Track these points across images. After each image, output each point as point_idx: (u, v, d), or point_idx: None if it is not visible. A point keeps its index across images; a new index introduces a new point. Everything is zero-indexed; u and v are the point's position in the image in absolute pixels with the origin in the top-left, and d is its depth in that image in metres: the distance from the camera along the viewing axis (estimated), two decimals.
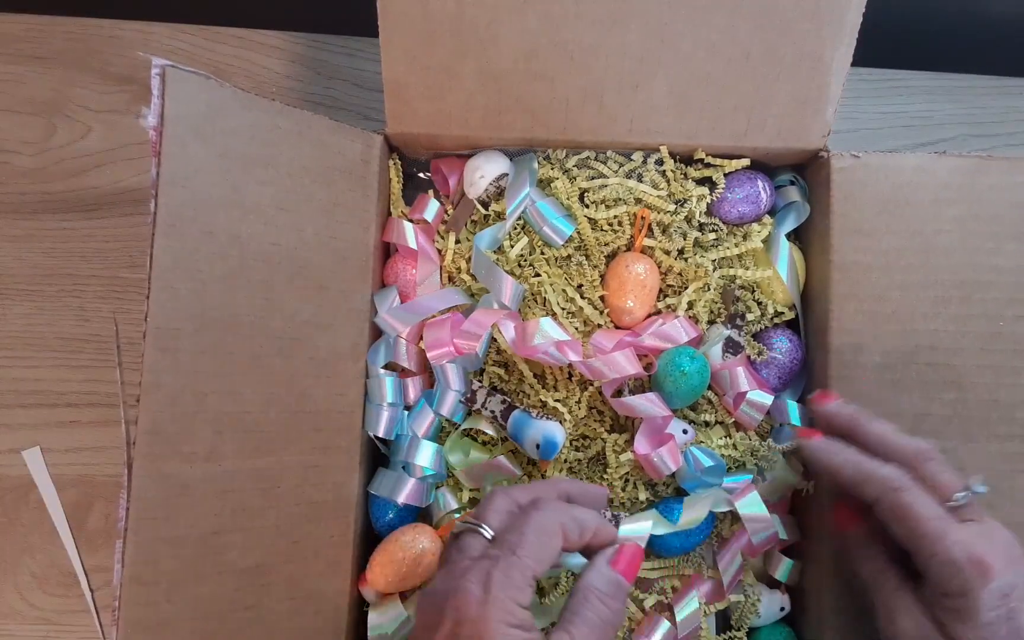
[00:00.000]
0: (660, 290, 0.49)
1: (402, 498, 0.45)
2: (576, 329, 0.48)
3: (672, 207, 0.48)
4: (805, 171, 0.49)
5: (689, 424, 0.47)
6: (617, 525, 0.46)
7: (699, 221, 0.48)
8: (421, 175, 0.51)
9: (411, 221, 0.49)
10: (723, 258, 0.48)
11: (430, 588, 0.33)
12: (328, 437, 0.43)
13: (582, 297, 0.48)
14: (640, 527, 0.45)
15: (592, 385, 0.47)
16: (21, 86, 0.55)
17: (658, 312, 0.49)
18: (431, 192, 0.51)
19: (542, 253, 0.49)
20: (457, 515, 0.47)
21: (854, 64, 0.43)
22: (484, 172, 0.48)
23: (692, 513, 0.45)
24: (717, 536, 0.48)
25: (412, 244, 0.48)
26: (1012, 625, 0.32)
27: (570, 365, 0.46)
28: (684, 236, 0.48)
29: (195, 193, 0.38)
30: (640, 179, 0.49)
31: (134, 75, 0.56)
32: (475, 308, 0.47)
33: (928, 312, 0.44)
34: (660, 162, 0.48)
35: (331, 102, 0.56)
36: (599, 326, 0.48)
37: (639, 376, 0.46)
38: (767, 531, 0.45)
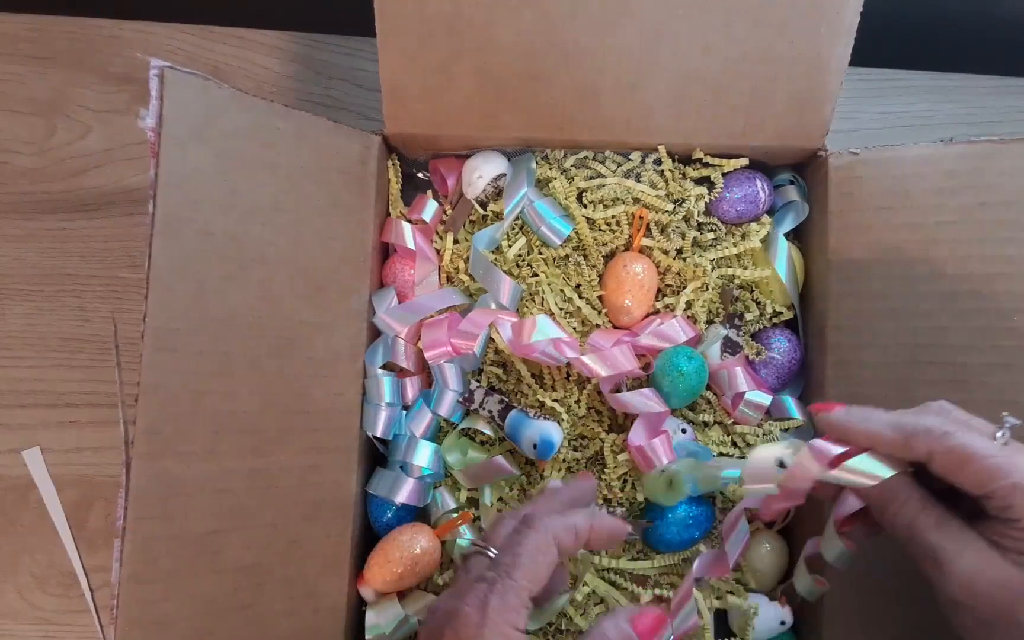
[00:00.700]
0: (658, 290, 0.49)
1: (400, 498, 0.46)
2: (574, 329, 0.48)
3: (670, 207, 0.48)
4: (804, 170, 0.49)
5: (688, 424, 0.47)
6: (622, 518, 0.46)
7: (697, 221, 0.48)
8: (420, 175, 0.51)
9: (409, 221, 0.49)
10: (721, 258, 0.48)
11: (435, 605, 0.34)
12: (326, 437, 0.43)
13: (580, 297, 0.48)
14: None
15: (590, 384, 0.47)
16: (21, 86, 0.55)
17: (656, 312, 0.49)
18: (429, 192, 0.51)
19: (540, 253, 0.49)
20: (455, 515, 0.47)
21: (854, 64, 0.43)
22: (482, 172, 0.48)
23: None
24: (716, 534, 0.48)
25: (410, 244, 0.48)
26: None
27: (568, 365, 0.46)
28: (682, 236, 0.48)
29: (193, 194, 0.38)
30: (638, 179, 0.49)
31: (134, 75, 0.56)
32: (473, 308, 0.47)
33: (932, 308, 0.43)
34: (658, 162, 0.48)
35: (331, 102, 0.56)
36: (597, 326, 0.48)
37: (637, 375, 0.46)
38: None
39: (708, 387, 0.47)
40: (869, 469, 0.34)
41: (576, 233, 0.48)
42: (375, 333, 0.47)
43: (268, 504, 0.41)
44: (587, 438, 0.48)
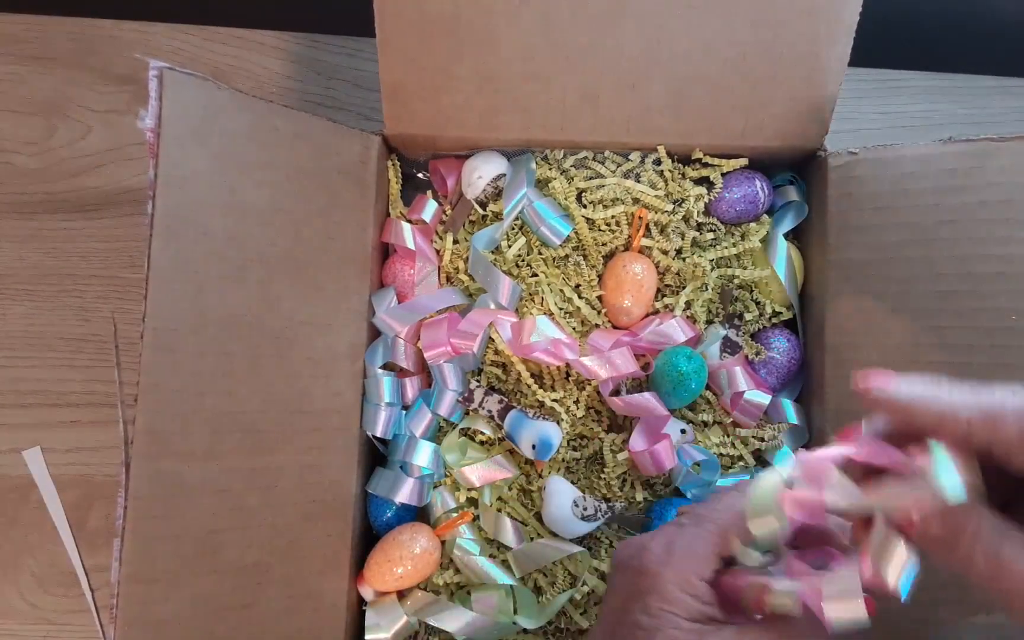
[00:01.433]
0: (658, 290, 0.49)
1: (400, 497, 0.46)
2: (573, 329, 0.48)
3: (670, 207, 0.48)
4: (803, 170, 0.49)
5: (687, 424, 0.47)
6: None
7: (697, 221, 0.48)
8: (419, 176, 0.51)
9: (409, 221, 0.49)
10: (721, 258, 0.48)
11: (630, 539, 0.34)
12: (326, 437, 0.44)
13: (579, 297, 0.48)
14: None
15: (590, 385, 0.47)
16: (21, 86, 0.55)
17: (656, 312, 0.49)
18: (429, 193, 0.51)
19: (539, 253, 0.49)
20: (455, 514, 0.47)
21: (854, 64, 0.43)
22: (482, 172, 0.48)
23: None
24: None
25: (410, 244, 0.48)
26: None
27: (567, 365, 0.46)
28: (682, 236, 0.48)
29: (193, 194, 0.38)
30: (638, 179, 0.49)
31: (134, 75, 0.56)
32: (472, 308, 0.47)
33: (931, 308, 0.42)
34: (658, 162, 0.48)
35: (331, 102, 0.56)
36: (596, 326, 0.48)
37: (636, 376, 0.46)
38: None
39: (708, 387, 0.47)
40: (942, 478, 0.22)
41: (576, 233, 0.48)
42: (375, 333, 0.47)
43: (268, 504, 0.41)
44: (586, 438, 0.48)
